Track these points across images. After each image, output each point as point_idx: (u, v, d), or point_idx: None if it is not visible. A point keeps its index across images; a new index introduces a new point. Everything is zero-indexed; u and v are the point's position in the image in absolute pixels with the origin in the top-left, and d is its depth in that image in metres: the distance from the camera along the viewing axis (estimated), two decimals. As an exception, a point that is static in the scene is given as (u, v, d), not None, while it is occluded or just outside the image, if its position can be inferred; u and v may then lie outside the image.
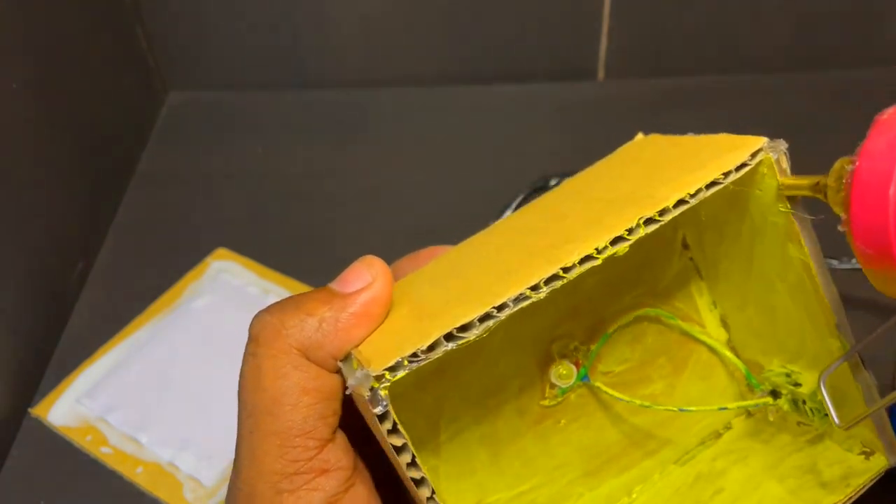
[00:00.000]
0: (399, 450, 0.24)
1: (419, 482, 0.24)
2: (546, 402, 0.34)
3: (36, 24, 0.50)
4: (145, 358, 0.49)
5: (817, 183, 0.27)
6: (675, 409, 0.34)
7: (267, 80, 0.68)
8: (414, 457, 0.24)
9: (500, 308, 0.24)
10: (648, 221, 0.26)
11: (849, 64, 0.66)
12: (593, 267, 0.25)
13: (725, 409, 0.35)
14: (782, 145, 0.28)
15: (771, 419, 0.35)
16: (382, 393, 0.23)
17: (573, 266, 0.25)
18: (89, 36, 0.57)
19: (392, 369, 0.23)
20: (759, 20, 0.64)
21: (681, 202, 0.26)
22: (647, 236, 0.26)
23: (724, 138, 0.29)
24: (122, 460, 0.44)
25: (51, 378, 0.48)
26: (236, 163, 0.62)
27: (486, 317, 0.24)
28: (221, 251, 0.55)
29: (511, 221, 0.33)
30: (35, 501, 0.43)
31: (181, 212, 0.58)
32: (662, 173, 0.28)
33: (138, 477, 0.43)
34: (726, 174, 0.27)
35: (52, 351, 0.50)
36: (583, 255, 0.25)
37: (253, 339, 0.25)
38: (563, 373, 0.34)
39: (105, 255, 0.56)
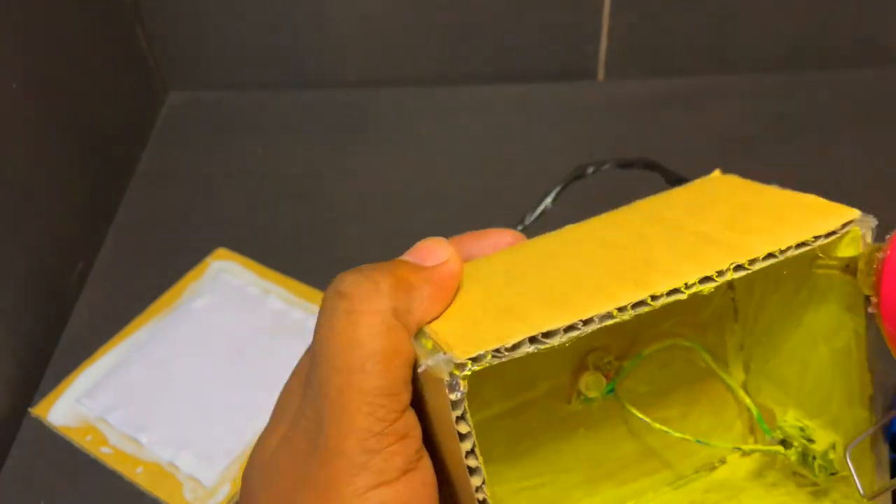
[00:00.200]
0: (463, 437, 0.25)
1: (473, 470, 0.25)
2: (571, 408, 0.35)
3: (36, 24, 0.50)
4: (145, 358, 0.49)
5: (847, 265, 0.30)
6: (692, 438, 0.35)
7: (267, 80, 0.68)
8: (475, 445, 0.25)
9: (587, 322, 0.26)
10: (738, 268, 0.27)
11: (849, 64, 0.66)
12: None
13: (740, 448, 0.37)
14: (873, 222, 0.30)
15: (777, 467, 0.36)
16: (462, 381, 0.24)
17: (661, 296, 0.26)
18: (89, 36, 0.57)
19: (475, 360, 0.24)
20: (759, 20, 0.65)
21: (770, 255, 0.28)
22: None
23: (812, 200, 0.31)
24: (122, 460, 0.44)
25: (51, 378, 0.48)
26: (236, 163, 0.62)
27: (570, 328, 0.25)
28: (221, 251, 0.55)
29: (587, 229, 0.34)
30: (35, 501, 0.43)
31: (181, 212, 0.58)
32: (750, 221, 0.30)
33: (138, 477, 0.43)
34: (816, 238, 0.28)
35: (52, 351, 0.50)
36: (672, 287, 0.27)
37: (346, 297, 0.25)
38: (593, 384, 0.35)
39: (105, 255, 0.56)
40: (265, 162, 0.62)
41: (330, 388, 0.25)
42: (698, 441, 0.36)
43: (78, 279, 0.53)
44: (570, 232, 0.34)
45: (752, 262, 0.27)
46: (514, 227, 0.47)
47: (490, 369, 0.26)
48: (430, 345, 0.26)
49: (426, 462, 0.26)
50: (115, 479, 0.43)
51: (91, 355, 0.49)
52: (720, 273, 0.27)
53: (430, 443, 0.28)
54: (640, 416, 0.35)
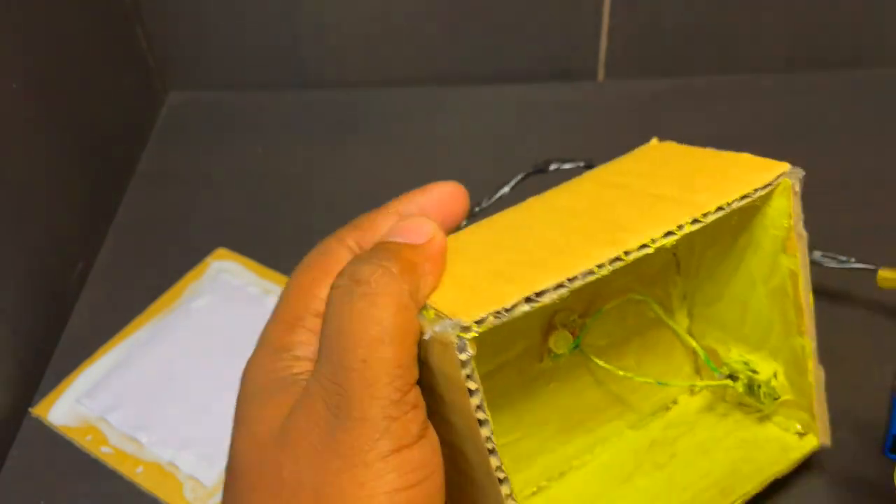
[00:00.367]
0: (472, 392, 0.27)
1: (483, 422, 0.28)
2: (542, 365, 0.39)
3: (36, 24, 0.50)
4: (145, 358, 0.49)
5: None
6: (653, 381, 0.40)
7: (267, 80, 0.68)
8: (483, 399, 0.28)
9: (572, 280, 0.29)
10: (694, 221, 0.31)
11: (849, 64, 0.66)
12: None
13: (694, 385, 0.43)
14: (800, 173, 0.34)
15: (727, 399, 0.41)
16: (469, 343, 0.27)
17: (633, 251, 0.30)
18: (89, 36, 0.57)
19: (479, 322, 0.27)
20: (758, 20, 0.65)
21: (719, 209, 0.32)
22: None
23: (747, 158, 0.35)
24: (123, 460, 0.44)
25: (51, 378, 0.48)
26: (236, 163, 0.62)
27: (559, 286, 0.29)
28: (221, 251, 0.55)
29: (549, 201, 0.37)
30: (35, 501, 0.43)
31: (181, 212, 0.58)
32: (696, 180, 0.34)
33: (138, 477, 0.43)
34: (756, 190, 0.32)
35: (52, 351, 0.50)
36: (641, 243, 0.30)
37: (364, 282, 0.27)
38: (561, 341, 0.39)
39: (105, 255, 0.56)
40: (265, 162, 0.62)
41: (354, 359, 0.26)
42: (659, 383, 0.41)
43: (78, 279, 0.53)
44: (534, 203, 0.37)
45: (705, 215, 0.31)
46: (471, 211, 0.49)
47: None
48: (432, 314, 0.28)
49: (433, 431, 0.28)
50: (116, 478, 0.44)
51: (91, 355, 0.49)
52: (680, 227, 0.31)
53: (433, 414, 0.30)
54: (604, 365, 0.39)
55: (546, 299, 0.28)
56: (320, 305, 0.31)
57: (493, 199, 0.50)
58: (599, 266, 0.29)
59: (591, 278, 0.29)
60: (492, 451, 0.29)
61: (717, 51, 0.66)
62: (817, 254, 0.46)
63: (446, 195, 0.34)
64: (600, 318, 0.40)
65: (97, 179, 0.57)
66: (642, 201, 0.33)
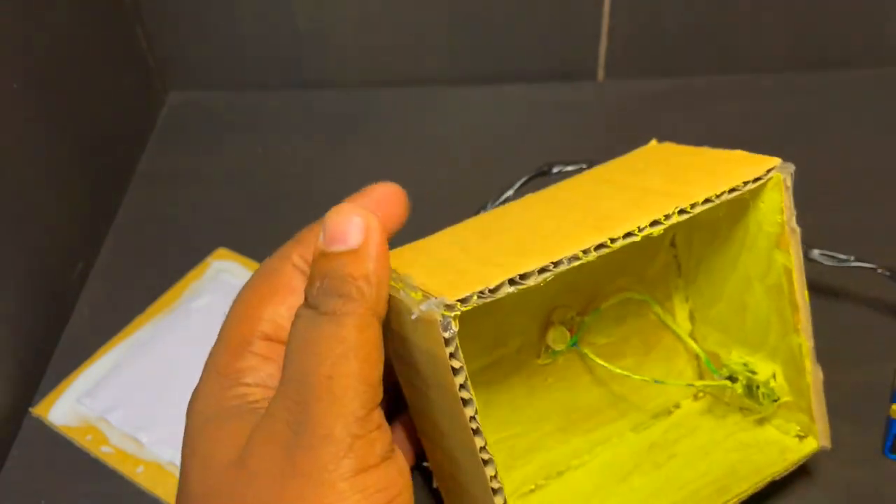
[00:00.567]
0: (456, 371, 0.28)
1: (467, 402, 0.28)
2: (540, 361, 0.40)
3: (36, 24, 0.50)
4: (145, 358, 0.49)
5: None
6: (650, 379, 0.40)
7: (267, 80, 0.68)
8: (467, 378, 0.28)
9: (556, 264, 0.29)
10: (681, 212, 0.31)
11: (849, 64, 0.66)
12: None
13: (692, 385, 0.43)
14: (791, 168, 0.34)
15: (727, 401, 0.41)
16: (453, 320, 0.27)
17: (618, 238, 0.30)
18: (89, 36, 0.57)
19: (463, 301, 0.28)
20: (758, 20, 0.65)
21: (707, 200, 0.32)
22: None
23: (740, 154, 0.35)
24: (123, 460, 0.44)
25: (51, 378, 0.48)
26: (236, 163, 0.62)
27: (543, 269, 0.29)
28: (221, 251, 0.55)
29: (545, 195, 0.38)
30: (35, 501, 0.43)
31: (181, 212, 0.58)
32: (688, 175, 0.34)
33: (139, 476, 0.43)
34: (745, 183, 0.32)
35: (53, 351, 0.50)
36: (626, 231, 0.30)
37: (328, 307, 0.27)
38: (558, 337, 0.39)
39: (105, 255, 0.56)
40: (265, 162, 0.62)
41: (318, 377, 0.26)
42: (656, 381, 0.41)
43: (78, 279, 0.53)
44: (529, 199, 0.38)
45: (693, 206, 0.31)
46: (476, 212, 0.49)
47: (467, 328, 0.29)
48: (419, 295, 0.29)
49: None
50: (116, 478, 0.44)
51: (91, 355, 0.49)
52: (667, 216, 0.31)
53: (423, 399, 0.31)
54: (602, 363, 0.39)
55: (531, 282, 0.29)
56: (267, 327, 0.31)
57: (498, 201, 0.50)
58: (584, 251, 0.30)
59: (575, 263, 0.29)
60: (476, 431, 0.29)
61: (717, 51, 0.66)
62: (816, 252, 0.46)
63: (385, 197, 0.33)
64: (600, 317, 0.40)
65: (97, 179, 0.57)
66: (632, 194, 0.34)
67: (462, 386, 0.28)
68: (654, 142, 0.41)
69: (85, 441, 0.45)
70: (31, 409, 0.47)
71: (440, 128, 0.64)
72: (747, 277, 0.37)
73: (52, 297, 0.51)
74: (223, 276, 0.53)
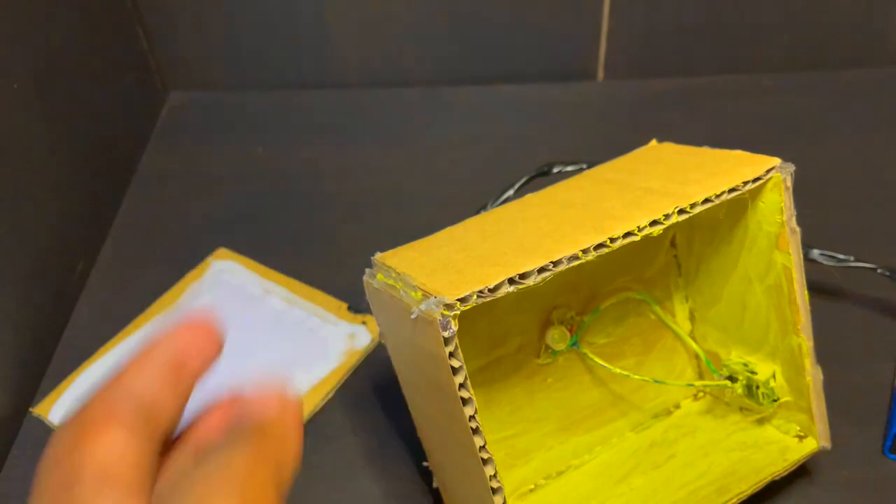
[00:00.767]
0: (456, 371, 0.28)
1: (467, 401, 0.29)
2: (540, 361, 0.40)
3: (36, 25, 0.50)
4: (145, 358, 0.49)
5: None
6: (650, 379, 0.40)
7: (267, 80, 0.68)
8: (466, 377, 0.28)
9: (556, 264, 0.29)
10: (681, 212, 0.31)
11: (849, 64, 0.66)
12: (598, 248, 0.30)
13: (692, 385, 0.42)
14: (791, 168, 0.33)
15: (727, 401, 0.41)
16: (452, 320, 0.27)
17: (618, 238, 0.30)
18: (89, 36, 0.57)
19: (463, 300, 0.28)
20: (758, 20, 0.65)
21: (707, 200, 0.32)
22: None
23: (739, 154, 0.35)
24: (123, 460, 0.44)
25: (51, 378, 0.48)
26: (236, 163, 0.62)
27: (543, 269, 0.29)
28: (222, 251, 0.55)
29: (545, 195, 0.38)
30: (35, 501, 0.43)
31: (181, 212, 0.58)
32: (688, 175, 0.34)
33: (139, 477, 0.43)
34: (745, 183, 0.32)
35: (53, 351, 0.50)
36: (626, 230, 0.30)
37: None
38: (558, 337, 0.39)
39: (105, 255, 0.56)
40: (265, 162, 0.62)
41: None
42: (656, 381, 0.41)
43: (78, 279, 0.53)
44: (530, 199, 0.38)
45: (692, 206, 0.31)
46: (476, 212, 0.49)
47: (467, 328, 0.30)
48: (419, 295, 0.29)
49: None
50: (116, 478, 0.43)
51: (91, 355, 0.49)
52: (666, 216, 0.31)
53: (426, 402, 0.31)
54: (602, 363, 0.39)
55: (530, 281, 0.29)
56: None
57: (498, 201, 0.50)
58: (584, 251, 0.30)
59: (575, 263, 0.29)
60: (475, 431, 0.29)
61: (717, 51, 0.66)
62: (816, 252, 0.46)
63: (195, 337, 0.27)
64: (600, 317, 0.40)
65: (97, 179, 0.57)
66: (632, 194, 0.34)
67: (461, 385, 0.28)
68: (654, 142, 0.42)
69: (85, 441, 0.45)
70: (31, 409, 0.47)
71: (440, 127, 0.64)
72: (747, 277, 0.37)
73: (52, 297, 0.51)
74: (223, 276, 0.53)
